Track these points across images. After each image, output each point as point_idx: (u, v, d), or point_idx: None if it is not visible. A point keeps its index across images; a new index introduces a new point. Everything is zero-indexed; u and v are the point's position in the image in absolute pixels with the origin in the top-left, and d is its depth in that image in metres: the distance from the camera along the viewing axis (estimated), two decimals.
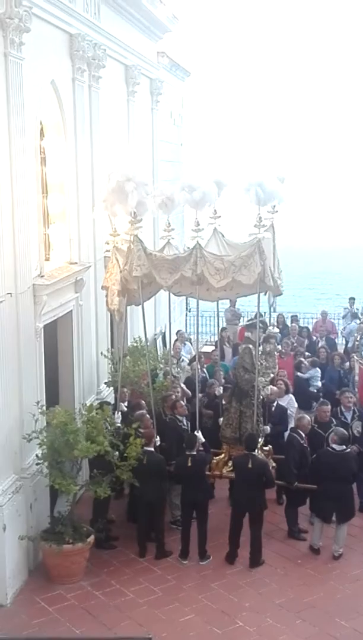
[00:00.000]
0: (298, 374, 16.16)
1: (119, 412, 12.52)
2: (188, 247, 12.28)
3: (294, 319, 20.88)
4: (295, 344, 18.15)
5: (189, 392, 13.65)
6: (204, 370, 15.73)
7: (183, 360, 16.60)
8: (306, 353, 17.51)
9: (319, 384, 15.95)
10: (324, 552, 11.77)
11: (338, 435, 11.75)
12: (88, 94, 13.92)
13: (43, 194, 12.27)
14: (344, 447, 11.67)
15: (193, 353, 17.76)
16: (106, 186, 12.14)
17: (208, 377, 15.17)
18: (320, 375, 16.04)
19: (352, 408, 13.24)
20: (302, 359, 16.60)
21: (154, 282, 12.40)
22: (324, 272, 50.07)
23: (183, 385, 14.26)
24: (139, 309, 12.93)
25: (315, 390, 15.78)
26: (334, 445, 11.68)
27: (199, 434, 12.05)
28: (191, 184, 11.64)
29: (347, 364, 17.07)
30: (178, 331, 19.32)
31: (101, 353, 14.59)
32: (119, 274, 12.39)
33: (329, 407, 13.29)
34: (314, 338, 19.50)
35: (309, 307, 28.34)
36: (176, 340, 17.19)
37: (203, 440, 12.07)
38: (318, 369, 16.16)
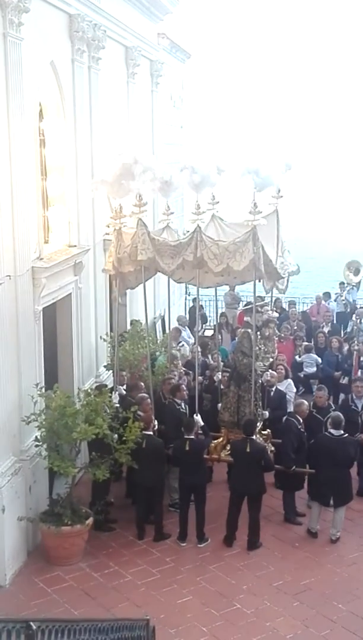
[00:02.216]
0: (296, 358, 16.19)
1: (117, 393, 12.54)
2: (188, 231, 12.26)
3: (292, 304, 20.86)
4: (296, 329, 18.15)
5: (191, 374, 13.63)
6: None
7: (183, 344, 16.60)
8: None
9: (313, 369, 15.94)
10: (321, 536, 11.83)
11: (333, 419, 11.77)
12: (88, 76, 13.82)
13: (42, 176, 12.21)
14: (342, 432, 11.69)
15: (192, 338, 17.79)
16: (110, 168, 12.09)
17: (210, 360, 15.14)
18: (314, 361, 16.02)
19: None
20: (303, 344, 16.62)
21: (152, 267, 12.39)
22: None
23: (183, 369, 14.28)
24: (140, 293, 12.91)
25: (302, 375, 15.77)
26: (332, 430, 11.70)
27: (198, 418, 12.08)
28: (192, 165, 11.59)
29: (346, 348, 17.08)
30: (179, 316, 19.33)
31: (101, 337, 14.58)
32: (116, 256, 12.36)
33: (325, 392, 13.31)
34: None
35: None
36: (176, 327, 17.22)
37: (202, 424, 12.10)
38: (312, 354, 16.14)
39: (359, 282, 23.36)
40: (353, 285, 23.06)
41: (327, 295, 22.07)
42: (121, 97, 16.44)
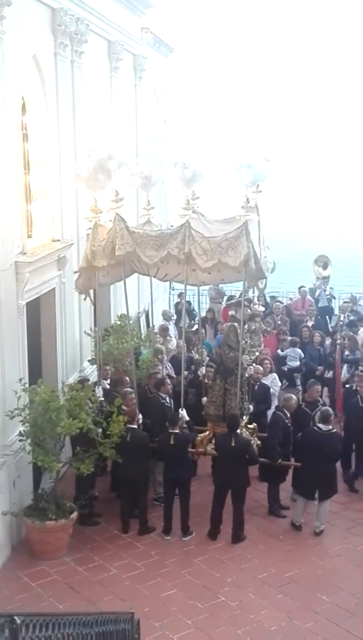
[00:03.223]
0: (278, 352, 16.23)
1: (100, 387, 12.54)
2: (171, 226, 12.23)
3: (273, 298, 20.88)
4: (279, 323, 18.19)
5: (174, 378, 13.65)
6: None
7: (171, 339, 16.62)
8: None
9: (297, 363, 15.99)
10: (305, 528, 11.90)
11: (322, 414, 11.84)
12: (70, 69, 13.77)
13: (25, 171, 12.17)
14: (330, 427, 11.75)
15: (176, 332, 17.82)
16: (86, 164, 12.04)
17: (195, 355, 15.13)
18: (298, 355, 16.08)
19: None
20: (287, 338, 16.65)
21: (133, 260, 12.34)
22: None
23: (168, 364, 14.31)
24: (123, 288, 12.89)
25: (286, 369, 15.83)
26: (320, 425, 11.76)
27: (183, 412, 12.10)
28: (184, 160, 11.57)
29: (328, 342, 17.15)
30: (164, 310, 19.35)
31: (85, 332, 14.56)
32: (90, 249, 12.32)
33: (319, 386, 13.36)
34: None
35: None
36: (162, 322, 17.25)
37: (187, 418, 12.12)
38: (296, 349, 16.20)
39: (328, 276, 23.56)
40: (324, 278, 23.26)
41: (312, 290, 22.17)
42: (104, 91, 16.40)
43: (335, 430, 11.97)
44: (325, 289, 22.62)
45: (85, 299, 13.43)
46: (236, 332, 12.53)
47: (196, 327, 15.61)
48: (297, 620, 9.69)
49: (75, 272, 13.22)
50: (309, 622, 9.65)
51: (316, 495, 11.86)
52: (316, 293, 22.51)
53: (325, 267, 23.67)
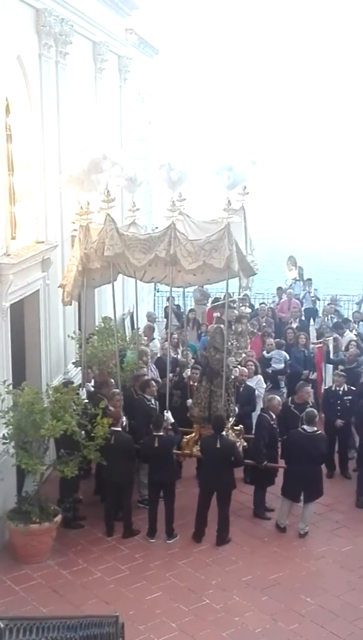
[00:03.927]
0: (264, 353, 16.24)
1: (84, 390, 12.50)
2: (156, 227, 12.23)
3: (262, 303, 20.96)
4: (264, 325, 18.22)
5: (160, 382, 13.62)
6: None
7: (154, 340, 16.61)
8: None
9: (281, 365, 16.02)
10: (290, 530, 11.90)
11: (307, 415, 11.85)
12: (55, 70, 13.72)
13: (9, 172, 12.10)
14: (315, 428, 11.76)
15: (160, 334, 17.81)
16: (78, 163, 12.02)
17: (180, 357, 15.12)
18: (283, 357, 16.10)
19: None
20: (271, 341, 16.66)
21: (121, 263, 12.33)
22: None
23: (152, 366, 14.29)
24: (108, 290, 12.86)
25: (271, 371, 15.86)
26: (305, 426, 11.77)
27: (168, 414, 12.08)
28: (170, 162, 11.57)
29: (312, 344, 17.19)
30: (148, 312, 19.35)
31: (68, 336, 14.51)
32: (82, 251, 12.29)
33: (310, 388, 13.39)
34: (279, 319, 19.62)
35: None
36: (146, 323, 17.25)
37: (172, 420, 12.11)
38: (282, 351, 16.22)
39: (302, 275, 23.74)
40: (296, 280, 23.37)
41: (281, 291, 22.36)
42: (89, 93, 16.36)
43: (320, 432, 11.98)
44: (310, 291, 22.72)
45: (70, 305, 13.36)
46: (222, 334, 12.53)
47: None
48: (282, 622, 9.69)
49: (59, 287, 13.13)
50: (294, 624, 9.65)
51: (302, 497, 11.87)
52: (301, 295, 22.62)
53: (295, 266, 23.92)
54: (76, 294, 12.84)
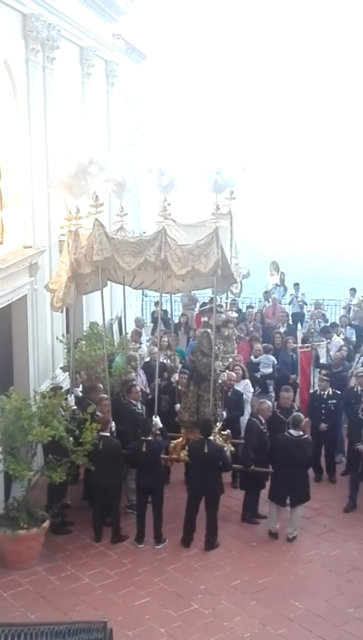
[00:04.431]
0: (251, 358, 16.26)
1: (72, 395, 12.48)
2: (144, 232, 12.23)
3: (249, 306, 21.00)
4: (252, 329, 18.25)
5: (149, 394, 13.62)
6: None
7: (140, 346, 16.59)
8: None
9: (269, 370, 16.05)
10: (279, 535, 11.89)
11: (293, 420, 11.88)
12: (42, 75, 13.72)
13: None
14: (301, 432, 11.78)
15: (148, 339, 17.79)
16: (65, 168, 12.01)
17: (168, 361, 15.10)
18: (271, 361, 16.13)
19: None
20: (259, 345, 16.68)
21: (110, 267, 12.33)
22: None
23: (140, 371, 14.28)
24: (96, 295, 12.84)
25: (259, 376, 15.89)
26: (291, 430, 11.79)
27: (157, 419, 12.07)
28: (161, 167, 11.58)
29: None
30: (136, 317, 19.36)
31: (57, 338, 14.49)
32: (72, 257, 12.28)
33: (291, 393, 13.40)
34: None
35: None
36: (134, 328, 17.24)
37: (161, 425, 12.10)
38: (270, 355, 16.25)
39: (283, 281, 23.81)
40: (276, 285, 23.43)
41: (267, 294, 22.48)
42: (76, 97, 16.37)
43: (306, 436, 12.00)
44: (297, 295, 22.80)
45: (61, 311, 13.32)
46: (209, 338, 12.54)
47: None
48: (270, 626, 9.69)
49: (45, 287, 13.10)
50: (282, 629, 9.65)
51: (288, 502, 11.87)
52: (288, 300, 22.70)
53: (277, 272, 24.05)
54: (69, 301, 12.80)
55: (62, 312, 13.44)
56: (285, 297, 23.50)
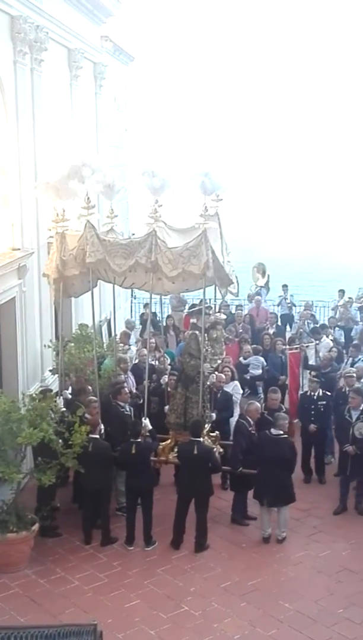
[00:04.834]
0: (241, 360, 16.28)
1: (62, 398, 12.45)
2: (133, 234, 12.24)
3: (239, 307, 21.03)
4: (241, 331, 18.27)
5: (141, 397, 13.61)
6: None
7: (129, 348, 16.58)
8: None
9: (259, 371, 16.08)
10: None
11: (274, 419, 11.90)
12: (30, 77, 13.71)
13: None
14: (281, 432, 11.78)
15: (136, 340, 17.78)
16: (56, 170, 12.00)
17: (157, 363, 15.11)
18: (260, 363, 16.16)
19: (361, 409, 12.82)
20: (248, 347, 16.71)
21: (101, 269, 12.33)
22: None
23: (129, 373, 14.27)
24: (86, 297, 12.83)
25: (248, 377, 15.92)
26: (272, 429, 11.80)
27: (146, 421, 12.07)
28: (153, 170, 11.59)
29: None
30: (126, 319, 19.35)
31: (45, 345, 14.44)
32: (58, 259, 12.27)
33: (279, 394, 13.40)
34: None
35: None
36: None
37: (150, 427, 12.09)
38: (259, 357, 16.28)
39: (267, 283, 23.82)
40: (261, 287, 23.49)
41: (250, 297, 22.55)
42: (64, 99, 16.35)
43: (285, 436, 11.91)
44: (286, 297, 22.85)
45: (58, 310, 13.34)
46: (197, 340, 12.55)
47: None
48: (260, 628, 9.70)
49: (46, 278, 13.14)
50: (272, 630, 9.66)
51: (265, 502, 11.83)
52: (278, 301, 22.74)
53: (264, 274, 24.05)
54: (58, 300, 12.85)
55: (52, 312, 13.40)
56: (270, 299, 23.59)
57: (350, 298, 21.78)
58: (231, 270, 12.74)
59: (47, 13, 14.24)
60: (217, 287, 12.71)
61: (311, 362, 16.27)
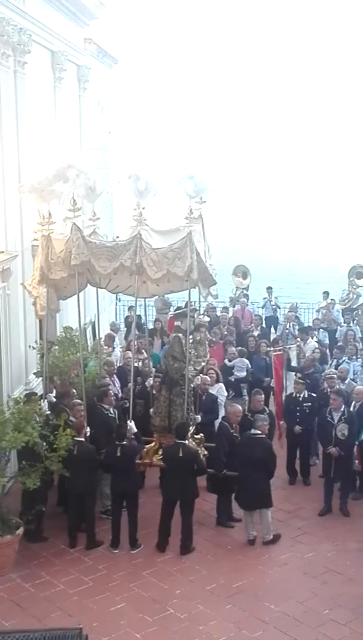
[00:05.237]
0: (226, 362, 16.29)
1: (46, 401, 12.42)
2: (117, 236, 12.25)
3: (224, 309, 21.06)
4: (226, 333, 18.29)
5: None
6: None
7: (113, 350, 16.57)
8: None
9: (244, 373, 16.10)
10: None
11: (254, 419, 11.92)
12: (13, 80, 13.68)
13: None
14: (258, 432, 11.79)
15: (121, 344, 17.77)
16: (40, 172, 11.98)
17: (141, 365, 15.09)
18: (245, 365, 16.18)
19: (342, 410, 12.87)
20: (233, 349, 16.73)
21: (86, 272, 12.31)
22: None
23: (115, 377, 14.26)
24: (70, 299, 12.80)
25: (233, 380, 15.94)
26: (253, 430, 11.81)
27: (131, 424, 12.05)
28: (137, 173, 11.59)
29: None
30: (111, 322, 19.32)
31: (30, 346, 14.40)
32: (43, 262, 12.24)
33: (262, 396, 13.42)
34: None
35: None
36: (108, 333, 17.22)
37: (136, 430, 12.08)
38: (244, 359, 16.31)
39: (248, 286, 23.87)
40: (243, 289, 23.54)
41: (232, 300, 22.56)
42: (48, 102, 16.33)
43: (262, 436, 11.85)
44: (271, 299, 22.89)
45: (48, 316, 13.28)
46: (181, 343, 12.56)
47: None
48: (246, 630, 9.70)
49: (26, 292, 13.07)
50: (258, 632, 9.67)
51: (240, 505, 11.83)
52: (262, 303, 22.77)
53: (244, 276, 24.08)
54: (53, 307, 12.82)
55: (44, 317, 13.32)
56: (255, 301, 23.63)
57: (332, 300, 21.85)
58: (213, 272, 12.76)
59: (30, 15, 14.22)
60: (199, 289, 12.69)
61: (294, 363, 16.31)
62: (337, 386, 13.75)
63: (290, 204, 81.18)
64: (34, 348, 14.44)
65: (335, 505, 12.87)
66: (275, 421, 13.89)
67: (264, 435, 11.93)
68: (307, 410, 13.85)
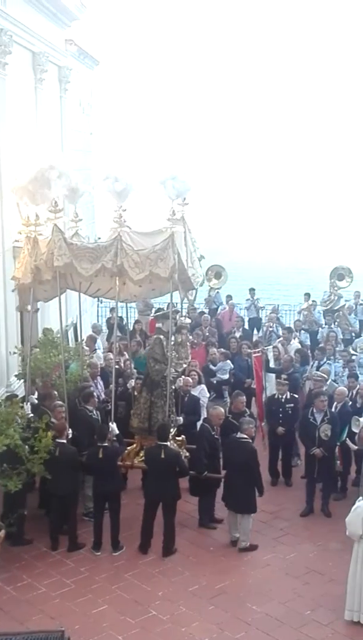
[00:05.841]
0: (209, 364, 16.29)
1: (29, 403, 12.37)
2: (99, 238, 12.22)
3: (201, 312, 21.10)
4: (208, 335, 18.30)
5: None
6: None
7: (95, 352, 16.52)
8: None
9: (226, 376, 16.12)
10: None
11: (239, 423, 11.93)
12: None
13: None
14: (244, 436, 11.79)
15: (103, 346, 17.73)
16: (23, 174, 11.93)
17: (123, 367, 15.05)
18: (228, 367, 16.21)
19: (325, 411, 12.87)
20: (215, 350, 16.74)
21: (68, 274, 12.27)
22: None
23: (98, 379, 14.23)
24: (52, 301, 12.75)
25: (215, 382, 15.96)
26: (238, 433, 11.83)
27: (113, 426, 12.03)
28: (116, 174, 11.57)
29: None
30: (93, 324, 19.26)
31: (10, 352, 14.32)
32: (32, 264, 12.19)
33: (243, 397, 13.42)
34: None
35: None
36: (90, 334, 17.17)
37: (117, 432, 12.06)
38: (228, 362, 16.34)
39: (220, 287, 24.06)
40: (217, 289, 23.59)
41: (209, 301, 22.62)
42: (29, 103, 16.27)
43: (245, 439, 11.82)
44: (254, 301, 22.95)
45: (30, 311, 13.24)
46: (161, 345, 12.55)
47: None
48: (228, 631, 9.71)
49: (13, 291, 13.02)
50: (240, 633, 9.69)
51: (226, 505, 11.84)
52: (246, 304, 22.81)
53: (218, 276, 24.14)
54: (27, 307, 12.80)
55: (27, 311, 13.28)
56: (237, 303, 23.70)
57: (313, 301, 21.94)
58: (193, 276, 12.76)
59: (10, 16, 14.16)
60: (171, 292, 12.66)
61: (272, 364, 16.34)
62: (324, 387, 13.82)
63: (271, 206, 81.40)
64: (15, 353, 14.35)
65: (317, 506, 12.92)
66: (256, 423, 13.89)
67: (249, 440, 11.94)
68: (290, 412, 13.89)
